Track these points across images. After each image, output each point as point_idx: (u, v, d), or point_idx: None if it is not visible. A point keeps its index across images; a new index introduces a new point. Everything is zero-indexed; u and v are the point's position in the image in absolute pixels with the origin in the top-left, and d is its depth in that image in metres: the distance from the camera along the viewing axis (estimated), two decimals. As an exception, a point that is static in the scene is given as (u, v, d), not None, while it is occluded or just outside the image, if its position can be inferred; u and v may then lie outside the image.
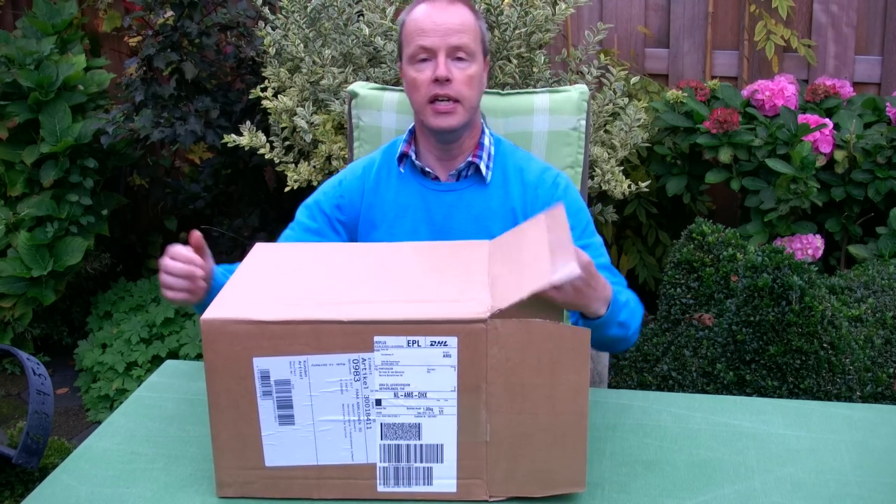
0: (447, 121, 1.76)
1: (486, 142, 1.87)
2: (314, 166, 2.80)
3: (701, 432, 1.45)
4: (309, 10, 2.81)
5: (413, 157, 1.87)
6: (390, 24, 2.65)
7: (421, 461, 1.29)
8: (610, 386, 2.47)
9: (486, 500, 1.31)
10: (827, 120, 2.95)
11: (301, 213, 1.88)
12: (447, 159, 1.85)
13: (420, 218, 1.82)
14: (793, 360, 2.09)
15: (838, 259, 3.05)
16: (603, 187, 2.75)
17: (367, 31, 2.72)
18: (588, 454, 1.39)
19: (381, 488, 1.31)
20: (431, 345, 1.23)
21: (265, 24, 2.96)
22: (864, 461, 1.37)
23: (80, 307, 3.74)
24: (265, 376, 1.27)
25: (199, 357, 3.24)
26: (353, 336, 1.24)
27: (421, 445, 1.29)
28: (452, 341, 1.23)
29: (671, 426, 1.47)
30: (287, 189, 2.81)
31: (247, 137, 2.81)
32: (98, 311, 3.58)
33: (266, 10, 3.01)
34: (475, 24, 1.79)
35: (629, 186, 2.75)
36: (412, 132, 1.90)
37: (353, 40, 2.79)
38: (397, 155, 1.88)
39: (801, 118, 2.93)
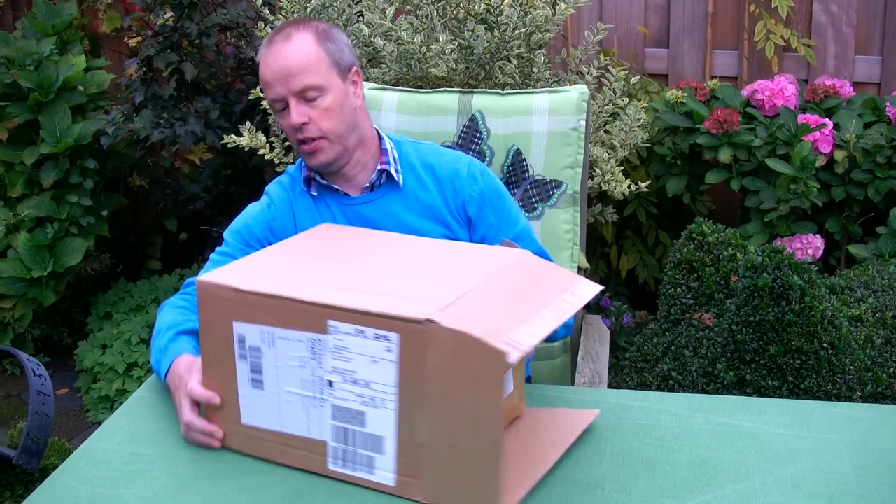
0: (321, 157, 1.74)
1: (388, 146, 1.84)
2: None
3: (701, 432, 1.45)
4: (309, 10, 2.82)
5: (318, 177, 1.83)
6: (390, 24, 2.65)
7: (364, 448, 1.31)
8: (610, 386, 2.47)
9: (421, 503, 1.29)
10: (827, 120, 2.95)
11: (231, 237, 1.83)
12: (348, 179, 1.82)
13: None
14: (793, 359, 2.09)
15: (838, 259, 3.05)
16: (603, 187, 2.75)
17: (366, 31, 2.72)
18: (588, 454, 1.39)
19: (331, 466, 1.35)
20: (376, 337, 1.25)
21: (265, 25, 2.96)
22: (865, 461, 1.37)
23: (81, 308, 3.74)
24: (241, 340, 1.36)
25: (199, 357, 3.23)
26: (311, 317, 1.29)
27: (365, 433, 1.30)
28: (394, 337, 1.23)
29: (671, 426, 1.47)
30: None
31: (247, 138, 2.81)
32: (98, 311, 3.58)
33: (266, 10, 3.01)
34: (316, 54, 1.72)
35: (629, 186, 2.75)
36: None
37: (352, 41, 2.79)
38: (302, 180, 1.84)
39: (801, 118, 2.93)
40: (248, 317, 1.35)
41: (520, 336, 1.19)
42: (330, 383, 1.31)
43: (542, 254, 1.84)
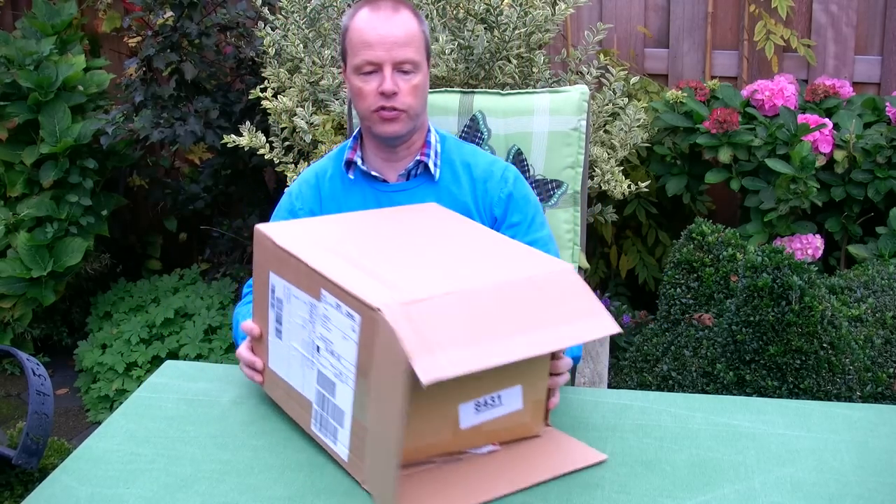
0: (393, 127, 1.80)
1: (433, 140, 1.89)
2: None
3: (701, 432, 1.45)
4: (308, 10, 2.81)
5: (360, 162, 1.88)
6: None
7: (333, 418, 1.35)
8: (610, 386, 2.47)
9: (362, 485, 1.31)
10: (827, 120, 2.95)
11: None
12: (395, 161, 1.88)
13: None
14: (793, 360, 2.09)
15: (838, 259, 3.05)
16: (603, 187, 2.75)
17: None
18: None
19: (313, 427, 1.40)
20: (347, 315, 1.27)
21: (265, 25, 2.96)
22: (865, 461, 1.37)
23: (80, 308, 3.74)
24: (273, 290, 1.45)
25: (199, 358, 3.24)
26: (311, 281, 1.34)
27: (334, 404, 1.34)
28: (357, 318, 1.25)
29: (671, 426, 1.47)
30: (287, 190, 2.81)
31: (246, 138, 2.81)
32: (98, 311, 3.58)
33: (266, 10, 3.01)
34: (419, 33, 1.80)
35: (629, 186, 2.75)
36: (356, 138, 1.92)
37: (352, 40, 2.79)
38: (343, 162, 1.90)
39: (801, 118, 2.93)
40: (278, 269, 1.43)
41: (456, 358, 1.16)
42: (318, 348, 1.36)
43: None
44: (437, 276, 1.32)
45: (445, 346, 1.17)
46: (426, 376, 1.12)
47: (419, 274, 1.34)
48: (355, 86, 1.80)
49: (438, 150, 1.89)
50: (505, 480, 1.31)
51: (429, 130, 1.90)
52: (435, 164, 1.87)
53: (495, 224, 1.88)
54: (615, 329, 1.30)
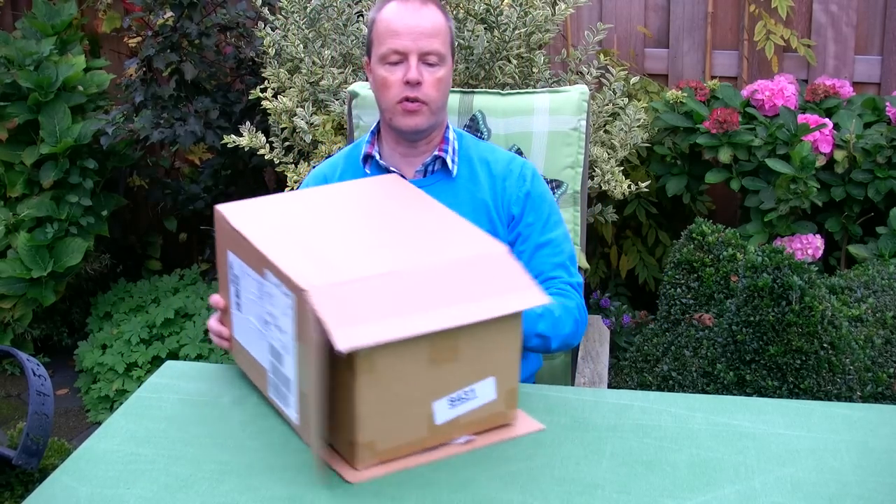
0: (414, 120, 1.80)
1: (451, 136, 1.90)
2: (314, 167, 2.80)
3: (701, 432, 1.45)
4: (308, 10, 2.82)
5: (377, 157, 1.88)
6: (390, 24, 2.65)
7: (283, 386, 1.44)
8: (610, 386, 2.47)
9: (308, 444, 1.38)
10: (827, 120, 2.95)
11: None
12: (414, 156, 1.88)
13: None
14: (793, 360, 2.09)
15: (838, 259, 3.05)
16: (603, 187, 2.75)
17: (366, 31, 2.72)
18: (588, 454, 1.39)
19: (270, 394, 1.50)
20: (284, 294, 1.35)
21: (265, 25, 2.96)
22: (865, 461, 1.37)
23: (80, 308, 3.74)
24: (231, 266, 1.53)
25: (199, 358, 3.24)
26: (258, 261, 1.42)
27: (283, 373, 1.43)
28: (292, 296, 1.32)
29: (671, 426, 1.47)
30: (287, 189, 2.81)
31: (246, 138, 2.81)
32: (98, 311, 3.58)
33: (266, 10, 3.01)
34: (445, 27, 1.82)
35: (629, 186, 2.75)
36: (374, 133, 1.92)
37: (352, 41, 2.79)
38: (361, 156, 1.90)
39: (801, 118, 2.93)
40: (234, 248, 1.51)
41: (377, 329, 1.25)
42: (266, 322, 1.44)
43: (563, 267, 1.86)
44: (375, 257, 1.39)
45: (368, 319, 1.26)
46: (342, 344, 1.22)
47: (358, 255, 1.41)
48: (380, 76, 1.80)
49: (456, 146, 1.89)
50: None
51: (447, 127, 1.90)
52: (453, 161, 1.87)
53: (512, 222, 1.88)
54: (544, 300, 1.38)
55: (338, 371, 1.30)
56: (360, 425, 1.31)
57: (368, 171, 1.89)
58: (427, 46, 1.77)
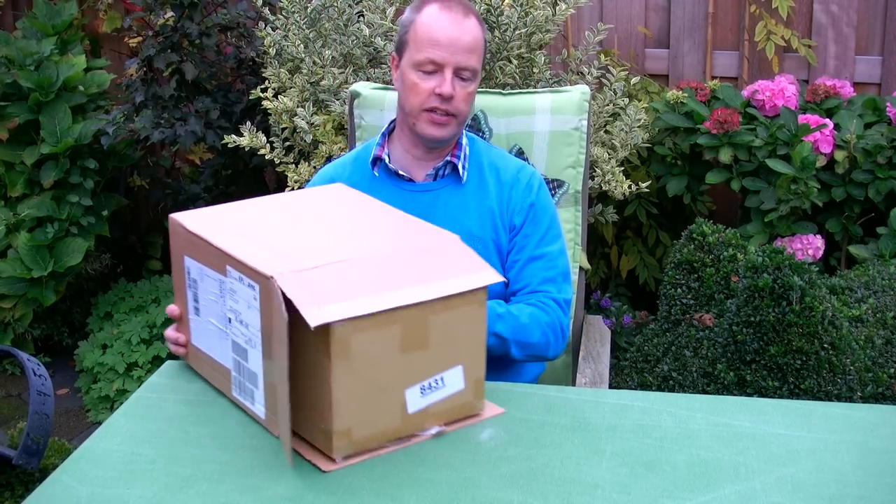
0: (441, 132, 1.80)
1: (464, 142, 1.89)
2: (314, 167, 2.80)
3: (701, 433, 1.45)
4: (309, 10, 2.82)
5: (387, 160, 1.87)
6: (390, 24, 2.65)
7: (249, 382, 1.46)
8: (610, 386, 2.47)
9: (278, 437, 1.41)
10: (827, 120, 2.95)
11: None
12: (427, 160, 1.87)
13: None
14: (793, 360, 2.09)
15: (839, 259, 3.05)
16: (603, 187, 2.75)
17: (367, 31, 2.72)
18: (588, 454, 1.39)
19: (234, 393, 1.52)
20: (248, 286, 1.38)
21: (265, 25, 2.96)
22: (865, 461, 1.37)
23: (81, 308, 3.74)
24: (188, 272, 1.56)
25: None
26: (219, 260, 1.45)
27: (248, 368, 1.45)
28: (257, 287, 1.36)
29: (671, 427, 1.47)
30: (287, 190, 2.81)
31: (247, 138, 2.81)
32: (98, 311, 3.58)
33: (266, 10, 3.01)
34: (482, 41, 1.81)
35: (629, 187, 2.75)
36: (385, 135, 1.90)
37: (353, 41, 2.79)
38: (371, 159, 1.89)
39: (802, 118, 2.93)
40: (191, 252, 1.54)
41: (343, 307, 1.29)
42: (230, 320, 1.46)
43: (552, 281, 1.85)
44: (335, 248, 1.44)
45: (334, 299, 1.30)
46: (314, 321, 1.25)
47: (317, 247, 1.46)
48: (411, 80, 1.79)
49: (467, 152, 1.88)
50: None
51: (460, 134, 1.90)
52: (463, 167, 1.86)
53: (513, 230, 1.87)
54: (497, 278, 1.42)
55: (311, 360, 1.33)
56: (336, 412, 1.32)
57: (377, 174, 1.89)
58: (464, 62, 1.76)
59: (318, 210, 1.65)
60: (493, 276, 1.42)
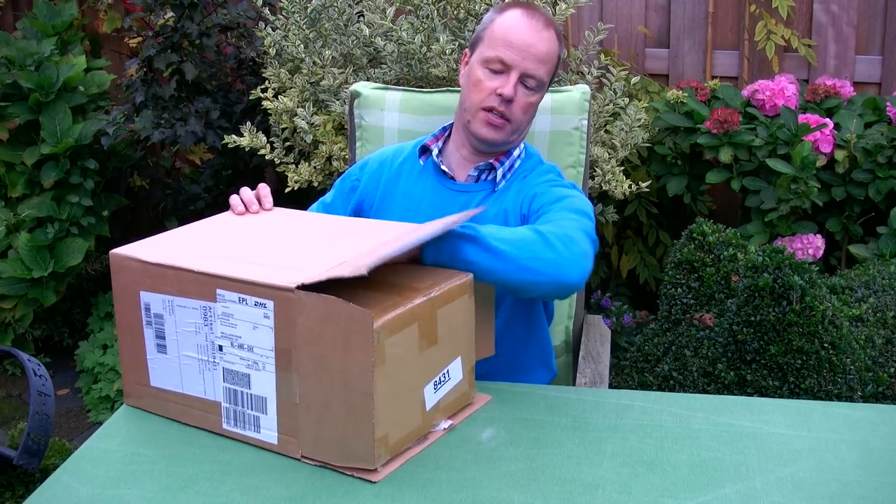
0: (492, 134, 1.78)
1: (516, 153, 1.87)
2: (315, 167, 2.80)
3: (702, 432, 1.45)
4: (309, 10, 2.82)
5: (436, 153, 1.87)
6: (391, 24, 2.65)
7: (251, 409, 1.41)
8: (611, 386, 2.47)
9: (300, 459, 1.38)
10: (827, 120, 2.95)
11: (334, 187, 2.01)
12: (474, 161, 1.86)
13: (431, 215, 1.82)
14: (794, 359, 2.09)
15: (839, 259, 3.05)
16: (603, 187, 2.75)
17: (367, 31, 2.72)
18: (588, 454, 1.39)
19: (224, 426, 1.45)
20: (255, 305, 1.34)
21: (265, 25, 2.96)
22: (866, 461, 1.37)
23: (81, 308, 3.74)
24: (147, 308, 1.48)
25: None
26: (202, 285, 1.39)
27: (251, 394, 1.40)
28: (270, 304, 1.33)
29: (672, 426, 1.47)
30: (287, 190, 2.81)
31: (247, 138, 2.81)
32: (99, 311, 3.58)
33: (266, 10, 3.01)
34: (556, 56, 1.80)
35: (630, 186, 2.75)
36: (445, 129, 1.90)
37: (353, 41, 2.79)
38: (420, 146, 1.89)
39: (802, 118, 2.93)
40: (152, 286, 1.46)
41: (369, 258, 1.31)
42: (220, 347, 1.41)
43: (574, 213, 1.68)
44: (320, 255, 1.43)
45: (362, 258, 1.33)
46: (365, 269, 1.26)
47: (304, 256, 1.45)
48: (475, 75, 1.78)
49: (517, 165, 1.86)
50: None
51: (517, 146, 1.87)
52: (503, 175, 1.84)
53: (523, 220, 1.79)
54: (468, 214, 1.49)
55: (339, 376, 1.31)
56: (377, 419, 1.30)
57: (423, 163, 1.88)
58: (533, 70, 1.75)
59: (266, 225, 1.64)
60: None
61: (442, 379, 1.42)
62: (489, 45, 1.77)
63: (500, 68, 1.75)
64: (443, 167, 1.86)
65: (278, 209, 1.75)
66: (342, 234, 1.57)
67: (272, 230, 1.62)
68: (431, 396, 1.40)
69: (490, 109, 1.76)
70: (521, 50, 1.74)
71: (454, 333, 1.43)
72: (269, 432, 1.40)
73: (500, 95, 1.74)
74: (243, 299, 1.35)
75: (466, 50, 1.86)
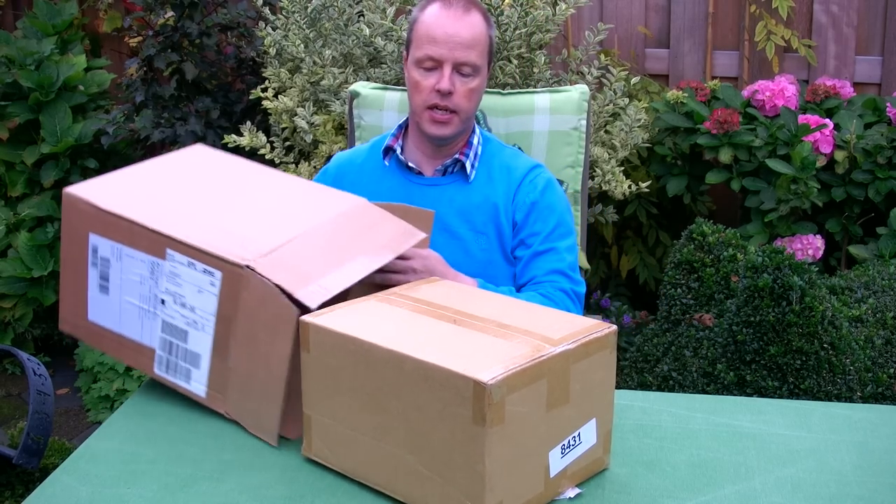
0: (441, 130, 1.81)
1: (475, 141, 1.90)
2: (314, 167, 2.80)
3: (701, 433, 1.45)
4: (309, 10, 2.82)
5: (399, 151, 1.89)
6: (391, 24, 2.65)
7: (184, 361, 1.48)
8: (610, 386, 2.47)
9: (224, 416, 1.47)
10: (827, 120, 2.95)
11: None
12: (436, 157, 1.90)
13: None
14: (793, 360, 2.09)
15: (839, 259, 3.05)
16: (603, 187, 2.75)
17: (367, 31, 2.72)
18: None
19: (156, 370, 1.53)
20: (203, 272, 1.40)
21: (265, 25, 2.96)
22: (865, 461, 1.37)
23: (81, 307, 3.73)
24: (95, 250, 1.54)
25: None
26: (153, 243, 1.45)
27: (186, 349, 1.48)
28: (218, 274, 1.39)
29: (671, 426, 1.47)
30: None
31: (247, 138, 2.81)
32: (98, 311, 3.58)
33: (266, 10, 3.01)
34: (485, 37, 1.82)
35: (629, 187, 2.75)
36: (401, 127, 1.93)
37: (353, 41, 2.79)
38: (383, 148, 1.90)
39: (802, 118, 2.93)
40: (102, 231, 1.52)
41: (328, 282, 1.36)
42: (163, 301, 1.48)
43: (560, 273, 1.84)
44: (273, 225, 1.47)
45: (314, 276, 1.36)
46: (312, 301, 1.31)
47: (256, 224, 1.49)
48: (413, 78, 1.81)
49: (479, 151, 1.90)
50: None
51: (473, 132, 1.91)
52: (472, 166, 1.88)
53: (515, 227, 1.88)
54: (422, 235, 1.57)
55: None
56: (488, 485, 1.16)
57: (388, 164, 1.91)
58: (463, 57, 1.77)
59: (216, 179, 1.65)
60: (419, 233, 1.56)
61: (571, 443, 1.27)
62: (417, 46, 1.80)
63: (433, 65, 1.78)
64: (409, 164, 1.88)
65: (239, 159, 1.75)
66: (297, 195, 1.61)
67: (230, 185, 1.64)
68: (557, 461, 1.25)
69: (434, 107, 1.79)
70: (445, 42, 1.77)
71: (589, 392, 1.27)
72: (198, 385, 1.47)
73: (438, 91, 1.77)
74: (192, 264, 1.41)
75: (404, 53, 1.88)
